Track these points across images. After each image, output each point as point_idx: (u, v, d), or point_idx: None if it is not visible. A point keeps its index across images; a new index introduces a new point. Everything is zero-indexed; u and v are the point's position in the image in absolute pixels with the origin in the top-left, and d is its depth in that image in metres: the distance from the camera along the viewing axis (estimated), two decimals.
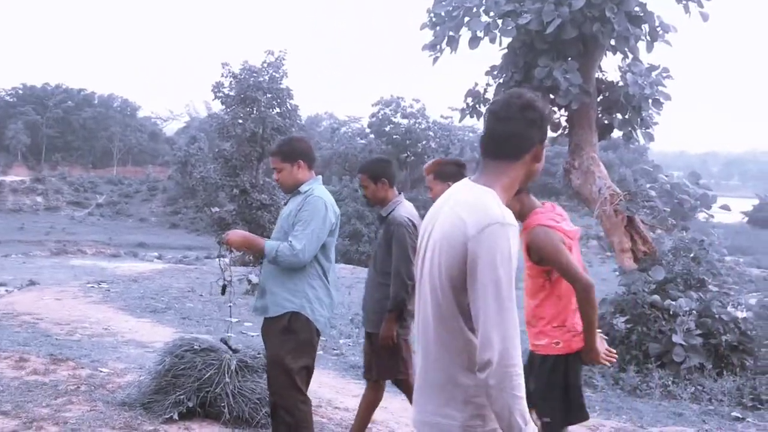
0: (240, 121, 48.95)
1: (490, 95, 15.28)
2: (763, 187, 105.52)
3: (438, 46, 14.83)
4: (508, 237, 3.04)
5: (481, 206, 3.12)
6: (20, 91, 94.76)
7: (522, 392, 2.98)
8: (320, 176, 5.97)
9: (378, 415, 8.24)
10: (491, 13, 14.36)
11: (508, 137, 3.27)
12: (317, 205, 5.54)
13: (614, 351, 5.13)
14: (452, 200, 3.28)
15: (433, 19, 14.95)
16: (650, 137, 15.40)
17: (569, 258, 4.82)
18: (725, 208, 15.30)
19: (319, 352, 11.90)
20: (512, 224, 3.10)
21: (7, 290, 20.20)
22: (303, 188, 5.67)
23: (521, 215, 5.13)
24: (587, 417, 5.16)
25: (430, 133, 56.54)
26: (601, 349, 4.92)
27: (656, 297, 12.43)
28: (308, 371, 5.68)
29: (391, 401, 8.10)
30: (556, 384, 4.98)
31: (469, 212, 3.11)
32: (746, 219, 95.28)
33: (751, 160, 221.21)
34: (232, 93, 49.93)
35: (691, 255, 13.57)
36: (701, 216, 15.49)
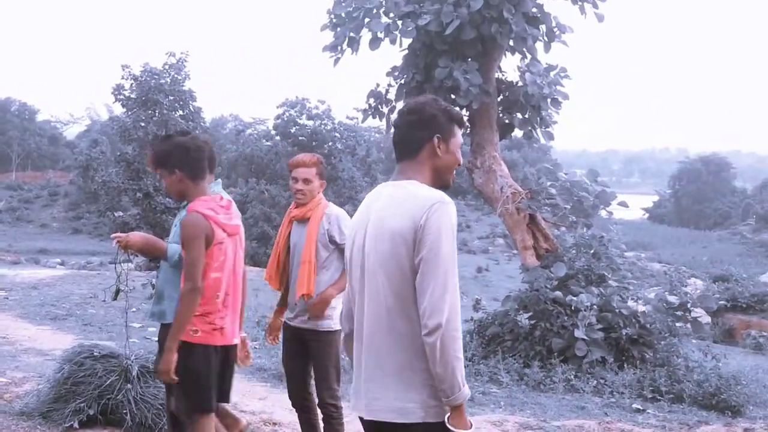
0: (142, 123, 48.34)
1: (391, 96, 15.36)
2: (662, 184, 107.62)
3: (339, 47, 14.86)
4: (449, 213, 3.44)
5: (419, 193, 3.52)
6: None
7: (461, 355, 3.35)
8: (219, 180, 5.89)
9: (284, 416, 8.23)
10: (391, 14, 14.43)
11: (400, 141, 3.72)
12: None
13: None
14: (383, 201, 3.66)
15: (334, 20, 14.95)
16: (550, 136, 15.64)
17: (200, 255, 4.88)
18: (623, 204, 15.59)
19: None
20: (451, 202, 3.51)
21: None
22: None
23: (183, 196, 5.25)
24: (210, 409, 5.14)
25: (336, 134, 56.31)
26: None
27: (558, 293, 12.57)
28: None
29: None
30: (185, 370, 4.99)
31: (411, 203, 3.49)
32: (646, 215, 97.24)
33: (650, 158, 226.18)
34: (133, 95, 49.25)
35: (592, 251, 13.78)
36: (603, 213, 15.75)
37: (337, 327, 5.85)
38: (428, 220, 3.40)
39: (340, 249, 5.89)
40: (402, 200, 3.56)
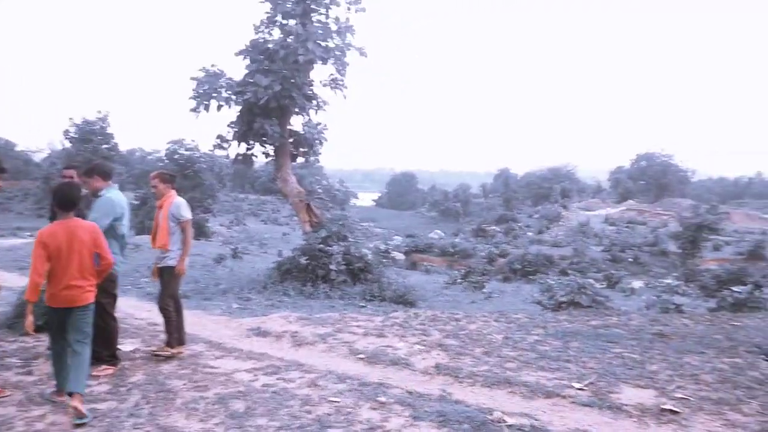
0: (81, 151, 45.27)
1: (229, 138, 14.95)
2: (382, 187, 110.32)
3: (198, 110, 14.28)
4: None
5: None
6: None
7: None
8: (116, 184, 5.56)
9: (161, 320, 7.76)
10: (229, 92, 14.07)
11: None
12: (103, 202, 5.28)
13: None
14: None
15: (195, 95, 14.36)
16: (318, 161, 15.87)
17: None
18: (358, 198, 15.93)
19: (128, 287, 11.05)
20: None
21: None
22: (101, 193, 5.28)
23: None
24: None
25: (202, 158, 54.17)
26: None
27: (322, 246, 12.64)
28: (114, 299, 5.29)
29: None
30: None
31: None
32: (374, 204, 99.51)
33: (376, 173, 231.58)
34: (75, 135, 46.03)
35: (341, 223, 13.95)
36: (352, 202, 16.02)
37: (174, 264, 5.74)
38: None
39: (179, 222, 5.77)
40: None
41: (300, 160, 16.19)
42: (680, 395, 4.69)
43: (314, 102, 14.74)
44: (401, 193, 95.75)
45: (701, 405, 4.49)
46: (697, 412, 4.35)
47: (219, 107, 14.21)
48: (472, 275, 19.84)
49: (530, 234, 50.28)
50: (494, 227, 54.83)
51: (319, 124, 15.44)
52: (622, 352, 6.02)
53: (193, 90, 14.53)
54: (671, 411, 4.34)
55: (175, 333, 5.88)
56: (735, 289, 10.25)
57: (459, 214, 72.19)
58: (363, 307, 10.08)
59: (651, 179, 78.89)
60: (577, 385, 4.89)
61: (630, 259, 36.31)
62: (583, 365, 5.52)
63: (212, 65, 14.70)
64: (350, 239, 13.46)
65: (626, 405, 4.47)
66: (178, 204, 5.85)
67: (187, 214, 5.84)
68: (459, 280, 18.70)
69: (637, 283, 24.57)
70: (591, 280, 9.91)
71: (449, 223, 67.45)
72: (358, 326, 7.86)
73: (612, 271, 27.76)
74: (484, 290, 17.51)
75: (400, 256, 29.25)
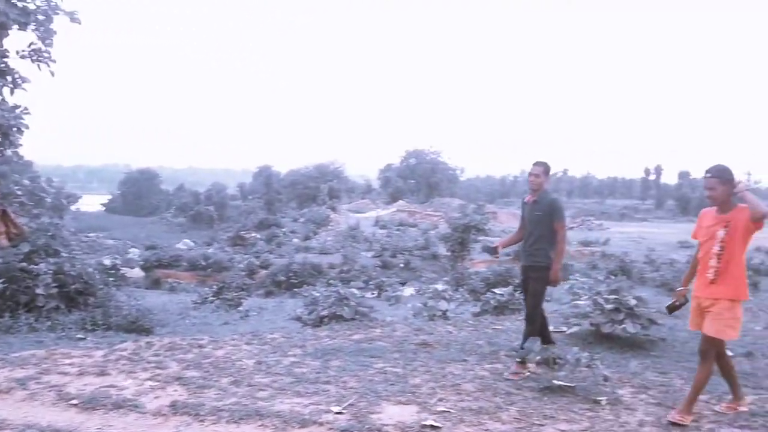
0: None
1: None
2: (114, 188, 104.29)
3: None
4: None
5: None
6: None
7: None
8: None
9: None
10: None
11: None
12: None
13: None
14: None
15: None
16: (19, 155, 14.40)
17: None
18: (76, 201, 14.76)
19: None
20: None
21: None
22: None
23: None
24: None
25: None
26: None
27: (24, 264, 11.52)
28: None
29: None
30: None
31: None
32: (104, 208, 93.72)
33: (105, 171, 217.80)
34: None
35: (50, 234, 12.83)
36: (73, 207, 14.87)
37: None
38: None
39: None
40: None
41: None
42: (442, 408, 5.10)
43: (9, 78, 13.38)
44: (139, 194, 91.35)
45: (462, 417, 4.93)
46: (458, 425, 4.76)
47: None
48: (227, 291, 19.61)
49: (296, 240, 51.35)
50: (255, 234, 54.93)
51: (18, 106, 13.99)
52: (384, 366, 6.38)
53: None
54: (432, 426, 4.69)
55: None
56: (497, 291, 11.56)
57: (213, 219, 71.04)
58: (81, 339, 9.34)
59: (421, 178, 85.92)
60: (336, 409, 5.05)
61: (401, 265, 39.04)
62: (343, 385, 5.72)
63: None
64: (65, 254, 12.41)
65: (387, 425, 4.72)
66: None
67: None
68: (211, 298, 18.35)
69: (408, 290, 26.52)
70: (354, 290, 10.38)
71: (201, 231, 65.95)
72: (71, 364, 7.24)
73: (383, 279, 29.57)
74: (241, 308, 17.41)
75: (136, 273, 27.74)
